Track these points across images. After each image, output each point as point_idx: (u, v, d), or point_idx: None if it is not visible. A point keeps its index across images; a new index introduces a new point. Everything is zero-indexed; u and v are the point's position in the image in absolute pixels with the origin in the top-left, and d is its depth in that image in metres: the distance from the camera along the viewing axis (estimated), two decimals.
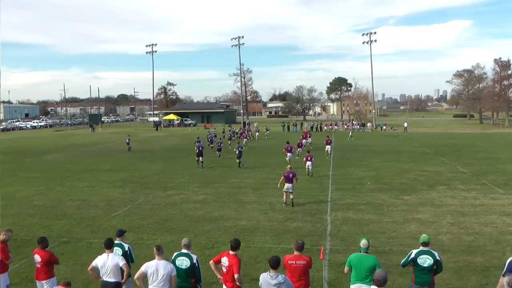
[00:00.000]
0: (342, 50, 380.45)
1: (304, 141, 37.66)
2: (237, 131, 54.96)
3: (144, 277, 7.33)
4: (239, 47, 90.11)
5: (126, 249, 8.26)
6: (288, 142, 30.40)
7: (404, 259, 8.01)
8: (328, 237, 13.28)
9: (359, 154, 35.62)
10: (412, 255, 7.81)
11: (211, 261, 7.78)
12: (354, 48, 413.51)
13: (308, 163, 24.20)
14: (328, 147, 33.70)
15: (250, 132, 49.39)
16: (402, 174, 25.03)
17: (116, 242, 8.22)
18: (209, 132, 47.77)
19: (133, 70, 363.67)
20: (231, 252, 7.45)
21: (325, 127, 73.14)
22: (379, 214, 15.85)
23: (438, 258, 7.76)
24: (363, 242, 7.69)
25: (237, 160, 28.27)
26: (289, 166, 18.39)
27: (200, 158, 28.29)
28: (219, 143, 34.80)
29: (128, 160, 32.88)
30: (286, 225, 14.61)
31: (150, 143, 49.42)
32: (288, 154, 28.84)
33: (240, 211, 16.47)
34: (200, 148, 28.44)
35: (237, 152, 28.64)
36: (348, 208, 16.78)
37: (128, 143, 39.91)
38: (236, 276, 7.23)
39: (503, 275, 7.12)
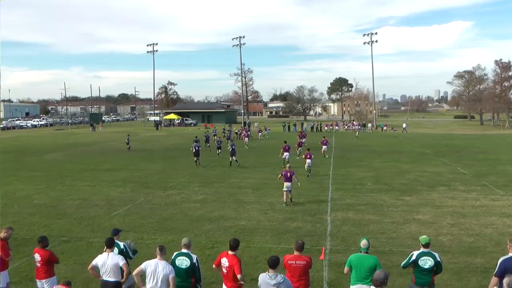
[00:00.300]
0: (342, 50, 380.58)
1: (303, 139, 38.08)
2: (236, 131, 54.95)
3: (143, 275, 7.37)
4: (240, 47, 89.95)
5: (122, 247, 8.30)
6: (285, 142, 30.43)
7: (405, 261, 7.97)
8: (328, 237, 13.27)
9: (360, 154, 35.61)
10: (413, 257, 7.77)
11: (214, 266, 7.75)
12: (354, 48, 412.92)
13: (308, 161, 24.40)
14: (324, 147, 33.77)
15: (249, 132, 49.43)
16: (402, 175, 25.01)
17: None
18: (206, 132, 47.72)
19: (134, 70, 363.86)
20: (230, 252, 7.44)
21: (326, 128, 73.07)
22: (379, 215, 15.84)
23: (438, 259, 7.75)
24: (363, 243, 7.68)
25: (230, 158, 28.47)
26: (288, 165, 18.47)
27: (197, 157, 28.57)
28: (219, 142, 35.03)
29: (129, 159, 32.87)
30: (286, 225, 14.61)
31: (151, 142, 49.41)
32: (285, 153, 28.86)
33: (240, 211, 16.47)
34: (197, 148, 28.69)
35: (230, 150, 28.87)
36: (348, 209, 16.78)
37: (127, 143, 39.88)
38: (239, 276, 7.23)
39: (495, 275, 7.13)
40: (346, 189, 20.73)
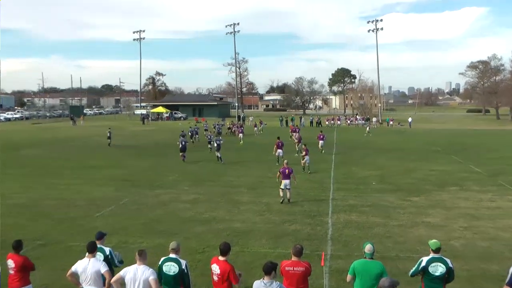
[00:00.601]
0: (345, 39, 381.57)
1: (295, 135, 38.42)
2: (229, 126, 55.05)
3: (123, 282, 7.31)
4: (234, 35, 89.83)
5: (108, 253, 8.19)
6: (278, 138, 30.47)
7: (413, 268, 7.86)
8: (329, 242, 13.25)
9: (363, 151, 35.68)
10: (423, 263, 7.66)
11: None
12: (358, 37, 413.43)
13: (306, 157, 25.02)
14: (321, 142, 34.16)
15: (242, 128, 49.44)
16: (409, 173, 25.05)
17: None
18: (190, 127, 47.64)
19: (119, 59, 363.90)
20: (220, 258, 7.39)
21: (327, 122, 73.13)
22: (384, 217, 15.84)
23: (450, 265, 7.63)
24: (368, 247, 7.61)
25: (216, 154, 29.05)
26: (285, 161, 18.65)
27: (183, 152, 29.29)
28: (210, 137, 35.99)
29: (113, 156, 32.80)
30: (284, 227, 14.58)
31: (137, 137, 49.35)
32: (279, 150, 28.92)
33: (234, 212, 16.44)
34: (183, 143, 29.74)
35: (215, 145, 29.56)
36: (351, 210, 16.77)
37: (109, 137, 39.57)
38: (237, 286, 7.27)
39: (507, 284, 7.05)
40: (348, 189, 20.73)
